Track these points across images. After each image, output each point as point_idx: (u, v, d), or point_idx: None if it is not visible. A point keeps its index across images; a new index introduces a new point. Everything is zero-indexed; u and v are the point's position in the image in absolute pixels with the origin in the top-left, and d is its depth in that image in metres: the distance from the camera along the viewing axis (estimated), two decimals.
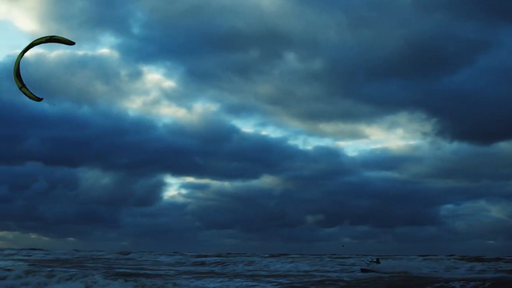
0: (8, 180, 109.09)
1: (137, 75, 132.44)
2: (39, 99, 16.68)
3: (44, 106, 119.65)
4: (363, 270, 40.57)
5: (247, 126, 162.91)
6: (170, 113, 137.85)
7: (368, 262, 43.00)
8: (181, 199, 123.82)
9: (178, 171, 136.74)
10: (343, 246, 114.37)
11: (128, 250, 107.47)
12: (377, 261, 42.49)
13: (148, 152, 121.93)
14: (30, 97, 16.60)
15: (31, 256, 78.43)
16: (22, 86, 16.56)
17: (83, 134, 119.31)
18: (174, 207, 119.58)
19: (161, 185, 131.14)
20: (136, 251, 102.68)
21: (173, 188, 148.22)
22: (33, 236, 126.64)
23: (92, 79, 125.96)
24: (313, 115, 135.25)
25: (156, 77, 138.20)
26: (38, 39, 16.33)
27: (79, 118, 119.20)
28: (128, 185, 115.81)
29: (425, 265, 47.30)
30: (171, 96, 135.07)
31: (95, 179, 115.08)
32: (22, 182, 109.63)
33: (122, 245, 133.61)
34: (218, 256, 74.48)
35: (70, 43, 16.21)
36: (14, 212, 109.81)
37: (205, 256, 74.91)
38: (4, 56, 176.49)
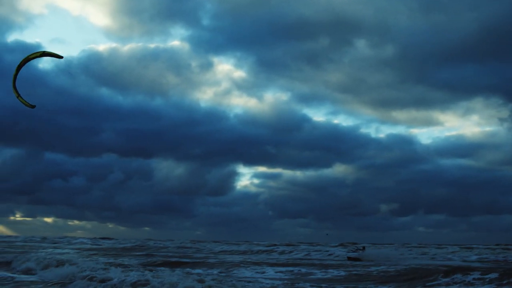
0: (85, 172, 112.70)
1: (207, 66, 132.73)
2: (33, 106, 18.43)
3: (119, 99, 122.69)
4: (349, 258, 41.53)
5: (318, 115, 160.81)
6: (241, 103, 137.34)
7: (354, 250, 44.17)
8: (253, 189, 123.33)
9: (250, 161, 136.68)
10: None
11: (201, 239, 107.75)
12: (363, 249, 43.57)
13: (220, 142, 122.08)
14: (25, 105, 18.34)
15: (101, 245, 79.42)
16: (18, 95, 18.19)
17: (157, 126, 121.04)
18: (247, 196, 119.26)
19: (234, 175, 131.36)
20: (208, 240, 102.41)
21: (246, 177, 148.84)
22: (110, 225, 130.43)
23: (164, 71, 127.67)
24: (385, 103, 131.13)
25: (226, 68, 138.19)
26: (32, 53, 18.00)
27: (152, 110, 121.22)
28: (201, 175, 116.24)
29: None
30: (241, 86, 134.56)
31: (169, 169, 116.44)
32: (99, 173, 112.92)
33: (196, 235, 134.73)
34: (288, 245, 72.02)
35: (59, 57, 17.97)
36: (91, 203, 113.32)
37: (274, 245, 72.59)
38: (79, 51, 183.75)
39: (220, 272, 29.30)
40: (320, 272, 29.45)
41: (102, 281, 21.08)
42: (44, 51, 18.04)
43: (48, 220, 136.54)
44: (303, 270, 30.61)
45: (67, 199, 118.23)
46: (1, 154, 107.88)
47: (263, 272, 29.44)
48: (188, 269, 30.51)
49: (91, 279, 21.68)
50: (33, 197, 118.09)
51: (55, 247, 60.87)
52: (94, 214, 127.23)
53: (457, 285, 23.05)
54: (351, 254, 42.89)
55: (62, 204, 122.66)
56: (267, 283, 23.05)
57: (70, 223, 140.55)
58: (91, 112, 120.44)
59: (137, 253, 51.55)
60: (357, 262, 37.76)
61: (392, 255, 44.24)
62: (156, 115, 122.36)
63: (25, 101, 18.21)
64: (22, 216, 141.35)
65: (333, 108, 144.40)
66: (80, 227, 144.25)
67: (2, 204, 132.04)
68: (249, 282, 23.25)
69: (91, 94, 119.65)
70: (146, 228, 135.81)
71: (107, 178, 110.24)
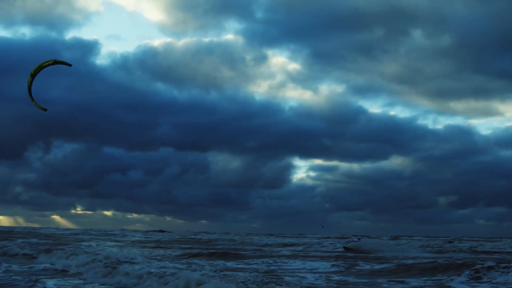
0: (143, 165, 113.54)
1: (262, 59, 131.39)
2: (45, 109, 19.90)
3: (174, 93, 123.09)
4: (345, 249, 42.05)
5: (374, 107, 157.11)
6: (296, 96, 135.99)
7: (349, 241, 44.37)
8: (309, 182, 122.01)
9: (306, 154, 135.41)
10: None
11: (257, 232, 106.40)
12: (359, 240, 43.97)
13: (275, 135, 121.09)
14: (38, 108, 19.73)
15: (151, 237, 78.82)
16: (32, 100, 19.55)
17: (212, 119, 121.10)
18: (303, 189, 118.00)
19: (290, 168, 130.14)
20: (264, 233, 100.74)
21: (302, 170, 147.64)
22: (168, 219, 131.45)
23: (219, 65, 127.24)
24: (443, 93, 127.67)
25: (280, 60, 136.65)
26: (45, 62, 19.36)
27: (207, 104, 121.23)
28: (257, 168, 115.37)
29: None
30: (296, 79, 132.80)
31: (224, 162, 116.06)
32: (156, 167, 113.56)
33: (252, 227, 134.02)
34: (341, 237, 68.95)
35: (68, 65, 19.46)
36: (149, 196, 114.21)
37: (327, 238, 69.80)
38: (135, 47, 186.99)
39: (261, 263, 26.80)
40: (368, 264, 26.27)
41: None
42: (55, 60, 19.35)
43: (108, 213, 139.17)
44: (350, 262, 27.53)
45: (125, 193, 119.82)
46: (62, 149, 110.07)
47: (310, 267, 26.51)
48: (221, 261, 28.27)
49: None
50: (93, 190, 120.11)
51: (102, 240, 60.27)
52: (152, 207, 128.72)
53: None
54: (348, 245, 43.08)
55: (121, 198, 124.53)
56: (310, 277, 20.35)
57: (129, 216, 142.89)
58: (148, 107, 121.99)
59: (184, 245, 49.96)
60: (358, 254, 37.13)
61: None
62: (211, 109, 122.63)
63: (38, 105, 19.59)
64: (82, 210, 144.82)
65: (389, 100, 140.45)
66: (138, 220, 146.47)
67: (64, 198, 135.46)
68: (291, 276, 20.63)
69: (147, 89, 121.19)
70: (203, 221, 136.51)
71: (164, 171, 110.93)
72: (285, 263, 27.07)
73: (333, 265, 25.99)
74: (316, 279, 20.12)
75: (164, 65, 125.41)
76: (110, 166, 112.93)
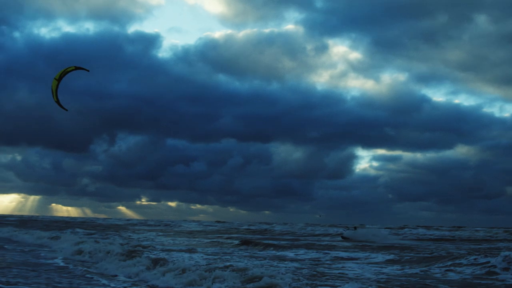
0: (206, 157, 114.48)
1: (322, 48, 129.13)
2: (66, 110, 20.87)
3: (236, 85, 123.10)
4: (342, 237, 43.41)
5: (438, 95, 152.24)
6: (358, 85, 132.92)
7: (346, 230, 46.35)
8: (372, 172, 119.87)
9: (368, 144, 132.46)
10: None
11: (319, 223, 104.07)
12: (355, 229, 44.93)
13: (337, 125, 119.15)
14: (61, 108, 20.76)
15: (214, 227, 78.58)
16: (57, 100, 20.52)
17: (274, 110, 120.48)
18: (366, 179, 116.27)
19: (352, 158, 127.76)
20: (326, 224, 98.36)
21: (364, 160, 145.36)
22: (232, 209, 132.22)
23: (279, 55, 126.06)
24: (510, 80, 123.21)
25: (341, 50, 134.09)
26: (68, 67, 20.49)
27: (269, 94, 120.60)
28: (319, 159, 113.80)
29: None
30: (358, 68, 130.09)
31: (287, 153, 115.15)
32: (219, 158, 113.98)
33: (315, 218, 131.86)
34: (401, 228, 65.81)
35: (86, 70, 20.79)
36: (213, 187, 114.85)
37: (388, 228, 66.76)
38: (195, 39, 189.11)
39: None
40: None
41: None
42: (76, 66, 20.62)
43: (172, 204, 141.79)
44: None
45: (189, 184, 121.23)
46: (126, 142, 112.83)
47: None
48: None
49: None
50: (157, 182, 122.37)
51: (152, 230, 60.38)
52: (216, 198, 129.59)
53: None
54: (345, 234, 44.17)
55: (185, 189, 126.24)
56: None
57: (192, 207, 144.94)
58: (210, 99, 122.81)
59: (224, 235, 48.86)
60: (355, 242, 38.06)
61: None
62: (273, 100, 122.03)
63: (62, 105, 20.64)
64: (147, 201, 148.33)
65: (453, 88, 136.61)
66: (202, 211, 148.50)
67: (129, 189, 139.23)
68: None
69: (208, 81, 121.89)
70: (266, 212, 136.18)
71: (227, 162, 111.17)
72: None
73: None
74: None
75: (225, 56, 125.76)
76: (174, 157, 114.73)
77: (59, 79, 20.33)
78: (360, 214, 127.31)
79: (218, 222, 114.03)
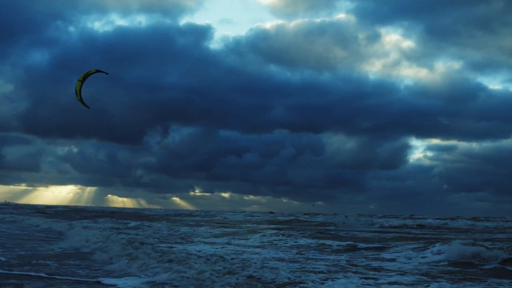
0: (258, 148, 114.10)
1: (375, 37, 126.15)
2: (88, 107, 21.49)
3: (287, 75, 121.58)
4: (334, 225, 44.94)
5: (494, 83, 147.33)
6: (411, 74, 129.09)
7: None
8: (427, 162, 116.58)
9: (422, 133, 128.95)
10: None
11: (373, 214, 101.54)
12: (346, 218, 46.48)
13: (390, 115, 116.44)
14: (84, 106, 21.41)
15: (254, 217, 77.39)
16: (80, 99, 21.18)
17: (326, 100, 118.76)
18: (420, 170, 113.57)
19: (406, 148, 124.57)
20: (378, 215, 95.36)
21: (418, 150, 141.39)
22: (284, 200, 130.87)
23: (331, 45, 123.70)
24: None
25: (394, 38, 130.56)
26: (90, 71, 21.23)
27: (320, 84, 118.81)
28: (372, 149, 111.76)
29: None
30: (411, 57, 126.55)
31: (339, 143, 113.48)
32: (271, 149, 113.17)
33: (368, 209, 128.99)
34: (451, 219, 61.92)
35: (106, 73, 21.61)
36: (265, 178, 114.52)
37: (439, 219, 62.89)
38: (246, 30, 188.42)
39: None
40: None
41: None
42: (96, 69, 21.45)
43: (225, 195, 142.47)
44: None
45: (242, 175, 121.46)
46: (179, 133, 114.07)
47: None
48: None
49: None
50: (210, 173, 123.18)
51: (190, 220, 59.84)
52: (268, 189, 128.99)
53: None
54: (336, 221, 45.49)
55: (238, 180, 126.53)
56: None
57: (246, 198, 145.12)
58: (261, 90, 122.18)
59: (250, 225, 47.32)
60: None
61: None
62: (325, 90, 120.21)
63: (85, 103, 21.41)
64: (201, 192, 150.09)
65: (510, 75, 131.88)
66: (255, 202, 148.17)
67: (182, 180, 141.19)
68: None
69: (260, 72, 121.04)
70: (319, 203, 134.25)
71: (279, 153, 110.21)
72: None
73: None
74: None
75: (276, 47, 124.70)
76: (226, 148, 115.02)
77: (83, 80, 21.36)
78: (414, 205, 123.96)
79: (271, 212, 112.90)
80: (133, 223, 40.34)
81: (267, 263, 14.57)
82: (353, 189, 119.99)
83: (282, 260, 15.85)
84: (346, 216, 46.08)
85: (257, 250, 19.63)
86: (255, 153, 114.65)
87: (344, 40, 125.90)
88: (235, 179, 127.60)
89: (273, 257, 16.61)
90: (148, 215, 69.48)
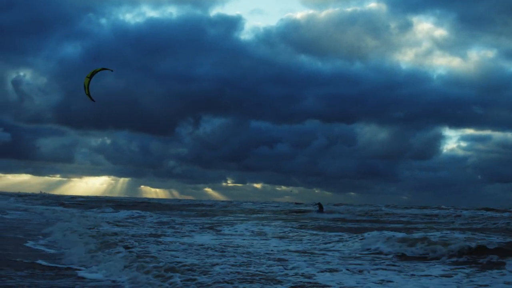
0: (290, 138, 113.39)
1: (406, 26, 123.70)
2: (94, 101, 23.48)
3: (318, 65, 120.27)
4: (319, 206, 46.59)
5: None
6: (444, 63, 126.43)
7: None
8: (460, 152, 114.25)
9: (456, 123, 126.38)
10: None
11: (406, 205, 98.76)
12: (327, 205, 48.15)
13: (423, 104, 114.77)
14: (91, 99, 23.26)
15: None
16: (88, 93, 22.94)
17: (357, 90, 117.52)
18: (454, 160, 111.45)
19: (439, 138, 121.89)
20: (414, 206, 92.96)
21: (452, 141, 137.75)
22: (317, 191, 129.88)
23: (362, 34, 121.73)
24: None
25: (426, 27, 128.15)
26: (97, 68, 23.28)
27: (352, 74, 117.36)
28: (404, 139, 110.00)
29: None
30: (443, 46, 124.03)
31: (371, 134, 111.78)
32: (303, 140, 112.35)
33: (401, 200, 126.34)
34: (477, 209, 59.37)
35: (111, 70, 23.68)
36: (297, 169, 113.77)
37: (465, 209, 60.45)
38: (277, 20, 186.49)
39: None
40: None
41: None
42: (103, 67, 23.41)
43: (257, 186, 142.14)
44: None
45: (273, 166, 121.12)
46: (211, 124, 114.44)
47: None
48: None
49: None
50: (241, 164, 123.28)
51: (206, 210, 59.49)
52: (300, 179, 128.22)
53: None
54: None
55: (269, 170, 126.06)
56: None
57: (278, 188, 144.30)
58: (292, 80, 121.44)
59: (260, 215, 46.53)
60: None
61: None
62: (356, 80, 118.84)
63: (91, 97, 23.19)
64: (233, 182, 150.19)
65: None
66: (287, 193, 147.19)
67: (214, 171, 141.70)
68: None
69: (291, 62, 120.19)
70: (351, 193, 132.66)
71: (311, 144, 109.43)
72: None
73: None
74: None
75: (307, 37, 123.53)
76: (257, 139, 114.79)
77: (90, 77, 22.74)
78: (448, 196, 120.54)
79: (297, 204, 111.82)
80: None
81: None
82: (386, 180, 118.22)
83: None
84: (326, 204, 46.88)
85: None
86: (286, 143, 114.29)
87: (376, 29, 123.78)
88: (267, 169, 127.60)
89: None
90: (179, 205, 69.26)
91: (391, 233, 16.09)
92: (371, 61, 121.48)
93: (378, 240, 14.93)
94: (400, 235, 15.62)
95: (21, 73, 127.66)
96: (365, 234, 16.75)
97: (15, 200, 74.41)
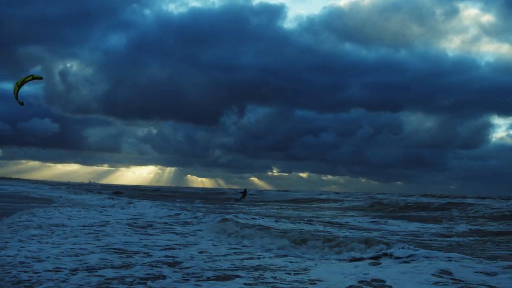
0: (335, 127, 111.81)
1: (453, 12, 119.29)
2: (22, 104, 22.92)
3: (363, 53, 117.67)
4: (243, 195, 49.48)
5: None
6: (492, 50, 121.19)
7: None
8: (510, 141, 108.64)
9: (505, 111, 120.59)
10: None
11: (454, 194, 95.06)
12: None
13: (471, 92, 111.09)
14: (19, 103, 22.68)
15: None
16: (16, 98, 22.37)
17: (403, 78, 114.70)
18: (504, 149, 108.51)
19: (488, 127, 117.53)
20: (459, 195, 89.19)
21: (501, 129, 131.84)
22: (363, 180, 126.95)
23: (407, 21, 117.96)
24: None
25: (473, 13, 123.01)
26: (27, 77, 22.76)
27: (397, 62, 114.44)
28: (452, 128, 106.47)
29: None
30: (491, 32, 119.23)
31: (418, 122, 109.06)
32: (348, 129, 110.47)
33: (449, 189, 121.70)
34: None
35: (40, 78, 23.58)
36: (342, 158, 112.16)
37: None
38: (320, 8, 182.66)
39: None
40: None
41: None
42: (33, 76, 23.04)
43: (303, 175, 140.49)
44: None
45: (318, 155, 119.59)
46: (255, 113, 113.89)
47: None
48: None
49: None
50: (286, 153, 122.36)
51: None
52: (346, 169, 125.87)
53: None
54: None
55: (315, 160, 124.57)
56: None
57: (323, 178, 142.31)
58: (337, 68, 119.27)
59: (285, 204, 45.42)
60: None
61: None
62: (402, 67, 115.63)
63: (20, 101, 22.70)
64: (278, 172, 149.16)
65: None
66: (333, 182, 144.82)
67: (260, 160, 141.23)
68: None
69: (335, 50, 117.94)
70: (398, 183, 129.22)
71: (356, 133, 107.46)
72: None
73: None
74: None
75: (351, 25, 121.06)
76: (302, 128, 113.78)
77: (20, 85, 22.51)
78: (497, 186, 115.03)
79: (336, 193, 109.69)
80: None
81: None
82: (433, 169, 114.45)
83: None
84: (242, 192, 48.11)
85: None
86: (331, 132, 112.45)
87: (421, 16, 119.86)
88: (312, 159, 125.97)
89: None
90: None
91: None
92: (417, 49, 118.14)
93: None
94: None
95: (68, 65, 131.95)
96: None
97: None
